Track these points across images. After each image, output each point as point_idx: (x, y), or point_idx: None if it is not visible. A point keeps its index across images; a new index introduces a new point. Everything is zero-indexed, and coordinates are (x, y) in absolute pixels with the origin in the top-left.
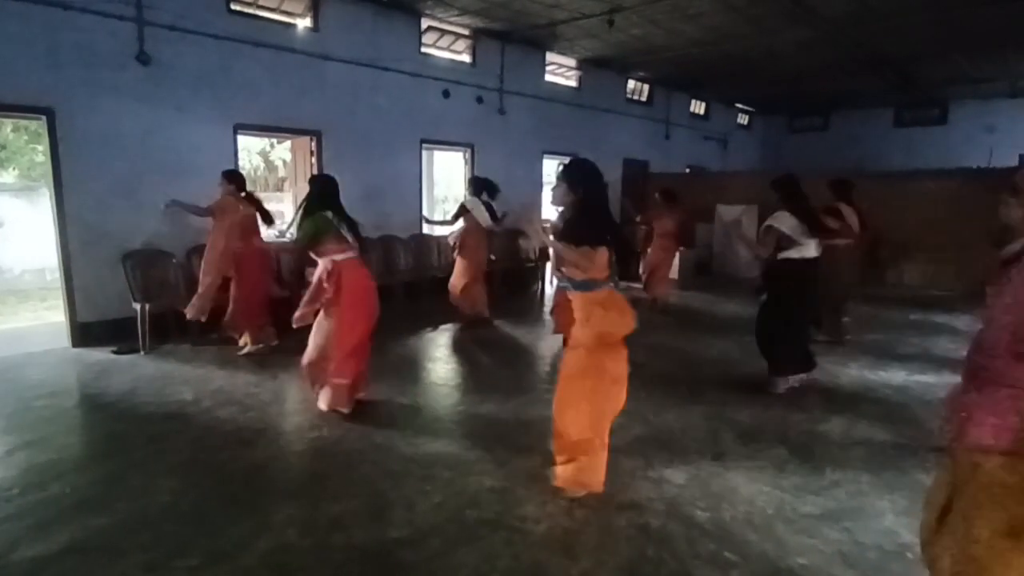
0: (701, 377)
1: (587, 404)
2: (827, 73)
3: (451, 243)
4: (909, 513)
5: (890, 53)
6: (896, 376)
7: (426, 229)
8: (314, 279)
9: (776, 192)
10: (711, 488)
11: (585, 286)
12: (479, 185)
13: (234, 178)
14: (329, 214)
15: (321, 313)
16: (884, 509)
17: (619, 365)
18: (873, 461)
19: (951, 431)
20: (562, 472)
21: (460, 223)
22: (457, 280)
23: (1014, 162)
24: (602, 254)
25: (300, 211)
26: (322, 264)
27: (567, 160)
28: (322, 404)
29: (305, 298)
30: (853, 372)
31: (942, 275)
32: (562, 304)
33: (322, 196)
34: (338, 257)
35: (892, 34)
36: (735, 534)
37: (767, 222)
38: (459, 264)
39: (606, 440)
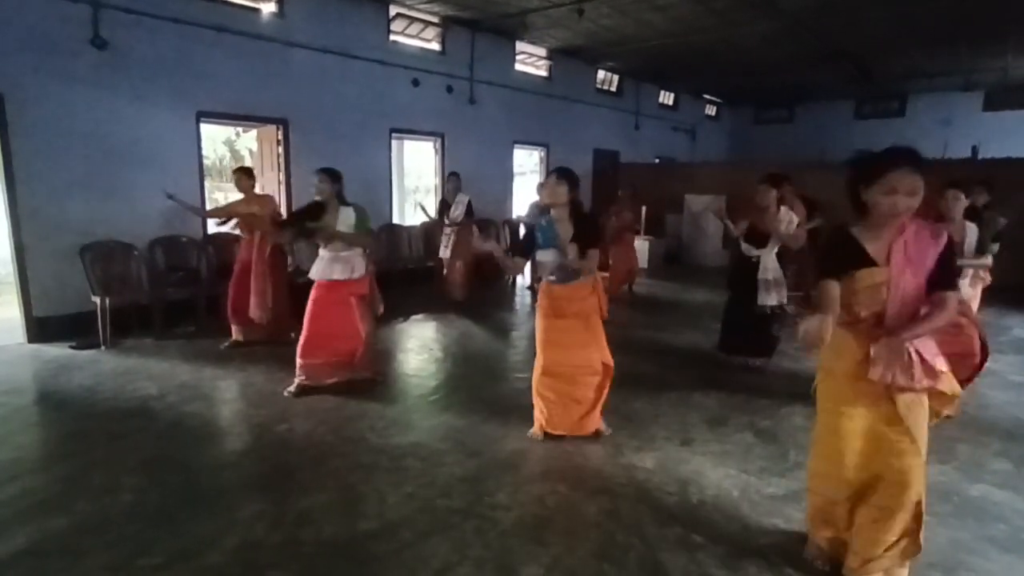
0: (669, 365)
1: None
2: (791, 66)
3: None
4: None
5: (850, 46)
6: None
7: (396, 219)
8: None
9: (777, 188)
10: (679, 473)
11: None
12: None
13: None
14: None
15: (333, 306)
16: None
17: None
18: None
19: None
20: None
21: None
22: (455, 265)
23: (967, 154)
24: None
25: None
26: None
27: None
28: (366, 373)
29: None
30: (815, 357)
31: None
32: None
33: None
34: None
35: (852, 28)
36: (702, 517)
37: (797, 224)
38: (456, 252)
39: None
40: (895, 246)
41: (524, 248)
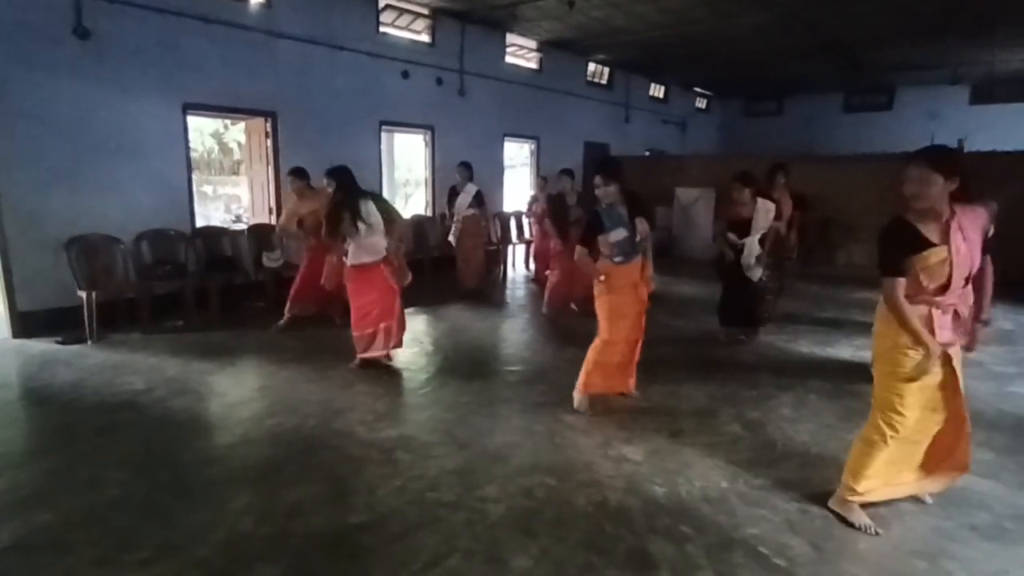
0: (658, 358)
1: None
2: (781, 57)
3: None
4: None
5: (840, 37)
6: (843, 352)
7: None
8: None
9: (750, 185)
10: (668, 464)
11: None
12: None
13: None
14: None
15: (379, 282)
16: (831, 479)
17: None
18: (820, 434)
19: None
20: None
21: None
22: (472, 256)
23: (953, 147)
24: None
25: (360, 199)
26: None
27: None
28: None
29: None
30: (803, 349)
31: None
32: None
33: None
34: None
35: (842, 19)
36: (691, 508)
37: (769, 212)
38: (470, 243)
39: None
40: (952, 229)
41: (591, 240)
